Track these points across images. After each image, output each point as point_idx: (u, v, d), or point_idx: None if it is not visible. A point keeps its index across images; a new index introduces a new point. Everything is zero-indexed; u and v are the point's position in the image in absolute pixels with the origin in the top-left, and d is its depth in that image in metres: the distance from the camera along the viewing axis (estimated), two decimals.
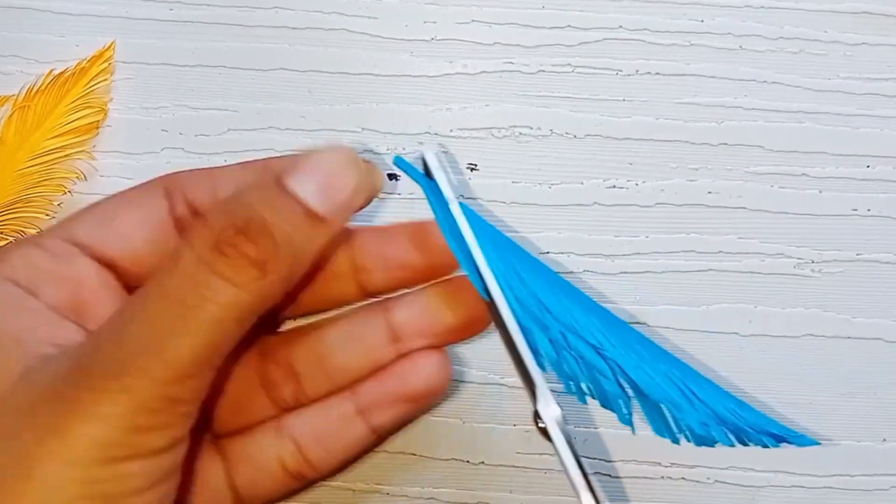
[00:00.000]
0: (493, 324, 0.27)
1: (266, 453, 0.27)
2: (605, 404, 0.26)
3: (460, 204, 0.26)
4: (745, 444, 0.25)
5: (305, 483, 0.28)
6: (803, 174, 0.32)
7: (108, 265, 0.26)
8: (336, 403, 0.28)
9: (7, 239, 0.31)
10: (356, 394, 0.27)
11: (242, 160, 0.30)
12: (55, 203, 0.32)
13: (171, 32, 0.33)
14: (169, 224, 0.26)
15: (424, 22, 0.33)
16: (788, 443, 0.25)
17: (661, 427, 0.25)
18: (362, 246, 0.27)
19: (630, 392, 0.26)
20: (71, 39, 0.33)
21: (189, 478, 0.26)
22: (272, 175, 0.24)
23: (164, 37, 0.33)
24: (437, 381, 0.27)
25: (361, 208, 0.25)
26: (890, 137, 0.32)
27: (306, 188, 0.24)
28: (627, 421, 0.25)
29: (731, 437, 0.25)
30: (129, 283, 0.27)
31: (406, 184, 0.32)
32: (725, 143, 0.32)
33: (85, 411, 0.22)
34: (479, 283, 0.26)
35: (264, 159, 0.27)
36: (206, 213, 0.23)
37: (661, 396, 0.25)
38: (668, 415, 0.25)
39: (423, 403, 0.28)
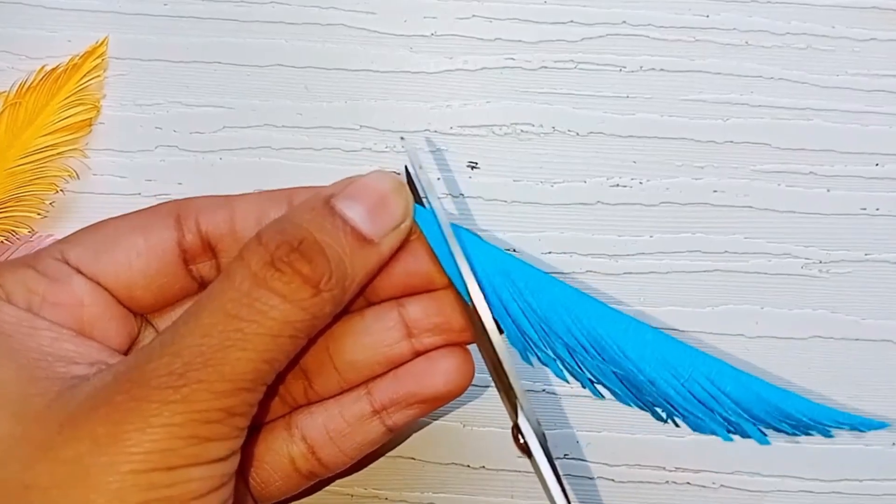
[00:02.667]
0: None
1: (277, 453, 0.27)
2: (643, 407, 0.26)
3: (452, 226, 0.26)
4: (808, 434, 0.25)
5: (317, 481, 0.28)
6: (811, 172, 0.32)
7: (108, 291, 0.26)
8: (350, 402, 0.27)
9: None
10: (372, 393, 0.27)
11: (242, 159, 0.29)
12: (47, 202, 0.31)
13: (165, 28, 0.32)
14: (174, 255, 0.26)
15: (424, 17, 0.32)
16: (857, 429, 0.25)
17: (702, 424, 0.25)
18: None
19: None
20: (63, 35, 0.32)
21: None
22: (321, 198, 0.24)
23: (158, 32, 0.32)
24: (457, 383, 0.27)
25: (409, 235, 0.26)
26: None
27: (356, 211, 0.24)
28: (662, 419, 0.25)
29: (788, 430, 0.25)
30: (135, 314, 0.27)
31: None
32: (731, 141, 0.32)
33: (144, 421, 0.22)
34: (462, 288, 0.26)
35: (286, 189, 0.27)
36: (259, 234, 0.24)
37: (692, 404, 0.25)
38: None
39: (442, 403, 0.28)
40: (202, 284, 0.27)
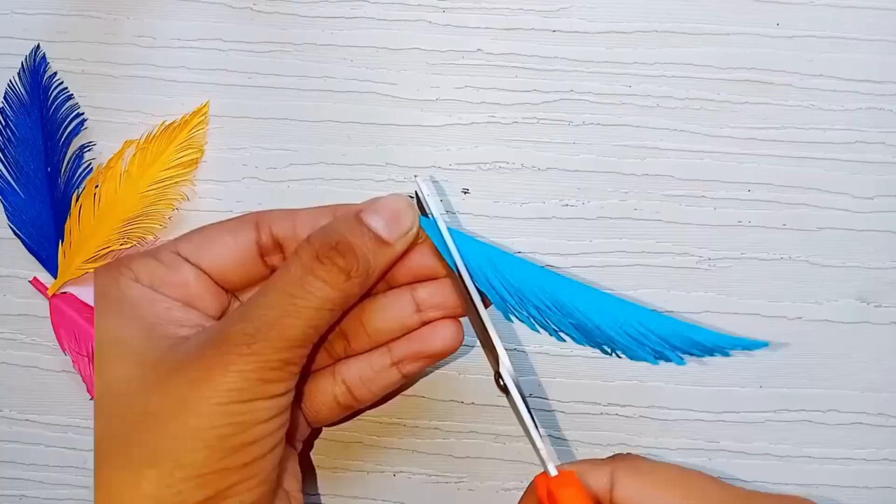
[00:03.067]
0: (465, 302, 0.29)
1: (324, 391, 0.31)
2: (595, 346, 0.28)
3: (450, 229, 0.30)
4: (711, 355, 0.27)
5: (352, 412, 0.32)
6: (703, 196, 0.36)
7: (205, 273, 0.30)
8: (376, 356, 0.31)
9: (132, 243, 0.35)
10: (392, 350, 0.31)
11: (303, 186, 0.34)
12: (167, 217, 0.36)
13: (249, 95, 0.36)
14: (254, 250, 0.30)
15: (431, 87, 0.36)
16: (743, 349, 0.27)
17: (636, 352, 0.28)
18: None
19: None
20: (178, 99, 0.37)
21: None
22: (353, 212, 0.29)
23: (245, 98, 0.36)
24: (452, 344, 0.31)
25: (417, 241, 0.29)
26: (765, 170, 0.35)
27: (377, 221, 0.28)
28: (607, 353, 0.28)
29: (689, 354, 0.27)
30: (225, 291, 0.31)
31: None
32: (647, 174, 0.36)
33: (226, 368, 0.26)
34: (457, 273, 0.29)
35: (331, 205, 0.31)
36: (309, 237, 0.28)
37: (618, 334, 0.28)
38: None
39: (441, 358, 0.31)
40: (272, 270, 0.31)
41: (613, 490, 0.27)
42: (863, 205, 0.36)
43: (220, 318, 0.30)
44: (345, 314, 0.30)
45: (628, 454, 0.28)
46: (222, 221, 0.31)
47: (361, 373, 0.31)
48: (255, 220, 0.30)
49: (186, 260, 0.30)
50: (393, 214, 0.29)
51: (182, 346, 0.27)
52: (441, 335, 0.30)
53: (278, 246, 0.30)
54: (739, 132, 0.36)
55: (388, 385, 0.31)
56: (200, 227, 0.31)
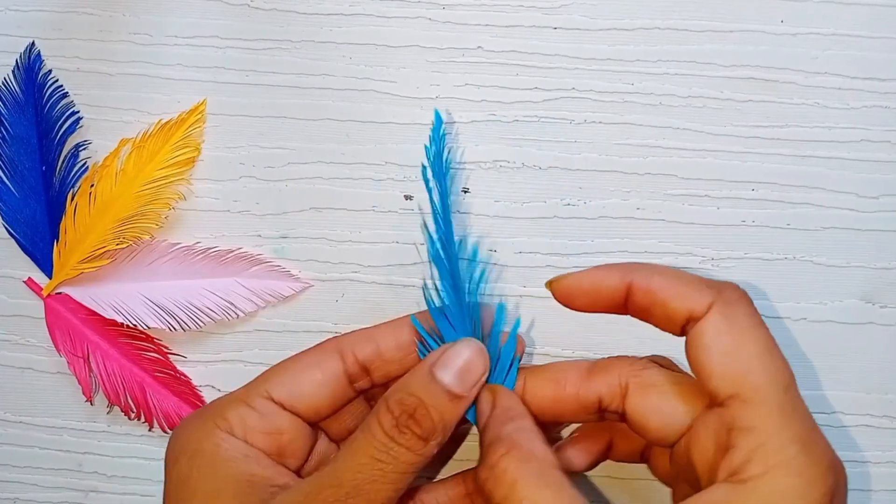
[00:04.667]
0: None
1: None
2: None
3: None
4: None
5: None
6: (706, 195, 0.35)
7: (298, 415, 0.30)
8: (451, 485, 0.31)
9: (128, 242, 0.35)
10: (465, 481, 0.31)
11: (301, 185, 0.34)
12: (163, 216, 0.35)
13: (246, 92, 0.36)
14: (343, 381, 0.31)
15: (431, 84, 0.36)
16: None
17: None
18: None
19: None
20: (174, 97, 0.36)
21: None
22: (426, 367, 0.29)
23: (242, 95, 0.36)
24: None
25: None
26: (769, 169, 0.35)
27: (449, 376, 0.29)
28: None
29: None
30: (312, 425, 0.31)
31: (420, 202, 0.35)
32: (649, 173, 0.35)
33: None
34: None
35: (407, 317, 0.31)
36: (388, 400, 0.28)
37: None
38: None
39: None
40: (359, 393, 0.31)
41: (627, 395, 0.28)
42: (868, 204, 0.35)
43: (307, 458, 0.31)
44: None
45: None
46: (304, 354, 0.31)
47: (438, 501, 0.32)
48: (337, 348, 0.31)
49: (280, 405, 0.30)
50: (464, 366, 0.29)
51: None
52: None
53: (364, 370, 0.31)
54: (743, 130, 0.35)
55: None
56: (284, 364, 0.31)
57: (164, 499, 0.29)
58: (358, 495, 0.27)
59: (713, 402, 0.26)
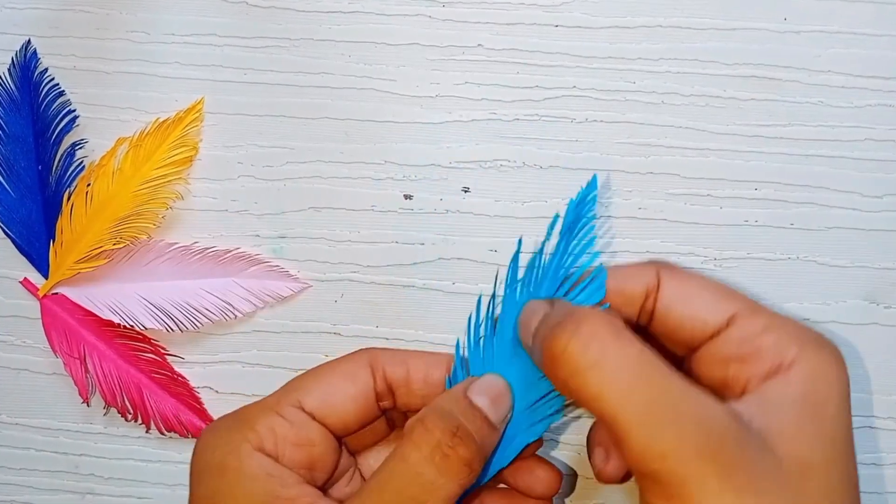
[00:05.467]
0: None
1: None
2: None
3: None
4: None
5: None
6: (708, 195, 0.35)
7: (327, 427, 0.29)
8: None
9: (125, 242, 0.35)
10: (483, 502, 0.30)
11: (300, 184, 0.33)
12: (160, 216, 0.35)
13: (245, 91, 0.36)
14: (372, 396, 0.30)
15: (430, 83, 0.35)
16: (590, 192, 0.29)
17: None
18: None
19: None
20: (172, 96, 0.36)
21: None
22: (460, 390, 0.28)
23: (240, 94, 0.36)
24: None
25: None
26: (772, 168, 0.35)
27: (484, 402, 0.28)
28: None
29: None
30: (339, 438, 0.30)
31: (419, 201, 0.35)
32: (651, 172, 0.35)
33: None
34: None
35: (445, 354, 0.30)
36: (425, 420, 0.26)
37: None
38: None
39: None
40: (383, 412, 0.31)
41: (660, 289, 0.28)
42: (872, 204, 0.35)
43: (331, 475, 0.30)
44: None
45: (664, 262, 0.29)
46: (336, 364, 0.30)
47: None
48: (369, 362, 0.30)
49: (311, 416, 0.29)
50: (497, 394, 0.28)
51: None
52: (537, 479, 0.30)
53: (391, 390, 0.30)
54: (746, 129, 0.35)
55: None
56: (315, 372, 0.30)
57: None
58: None
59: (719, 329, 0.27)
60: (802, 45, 0.35)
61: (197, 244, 0.36)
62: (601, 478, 0.28)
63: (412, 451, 0.26)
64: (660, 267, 0.28)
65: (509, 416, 0.28)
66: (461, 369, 0.30)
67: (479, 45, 0.35)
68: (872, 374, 0.35)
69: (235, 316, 0.36)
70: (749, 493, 0.23)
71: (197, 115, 0.36)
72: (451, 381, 0.30)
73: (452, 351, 0.30)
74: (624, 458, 0.24)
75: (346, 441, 0.31)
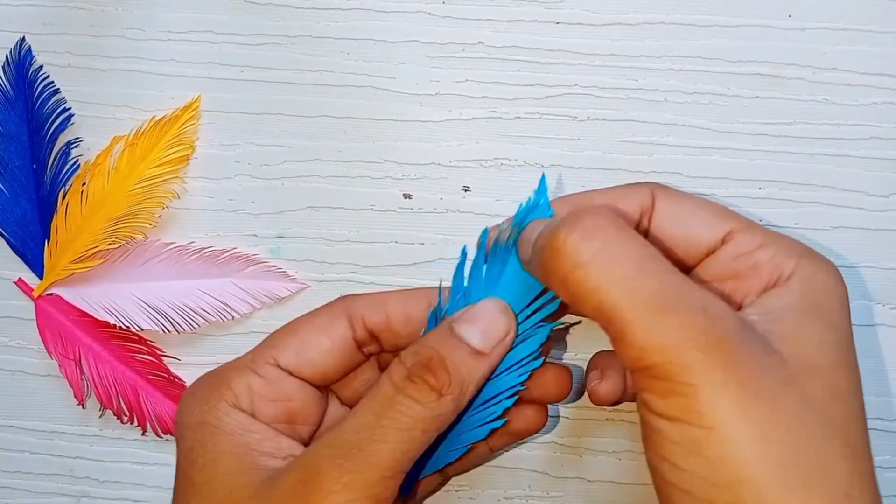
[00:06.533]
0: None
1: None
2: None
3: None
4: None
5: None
6: (712, 193, 0.34)
7: (305, 381, 0.30)
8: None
9: (121, 242, 0.34)
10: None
11: (298, 183, 0.33)
12: (156, 215, 0.35)
13: (242, 89, 0.35)
14: (351, 345, 0.30)
15: (430, 81, 0.35)
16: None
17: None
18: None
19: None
20: (168, 94, 0.35)
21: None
22: (446, 324, 0.28)
23: (237, 92, 0.35)
24: (537, 427, 0.31)
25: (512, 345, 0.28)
26: (776, 167, 0.34)
27: (471, 332, 0.27)
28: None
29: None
30: (321, 389, 0.30)
31: (419, 200, 0.35)
32: (654, 171, 0.35)
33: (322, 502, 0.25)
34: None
35: (422, 289, 0.30)
36: (401, 354, 0.27)
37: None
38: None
39: (527, 436, 0.32)
40: (369, 356, 0.31)
41: (654, 208, 0.28)
42: (878, 203, 0.34)
43: (318, 426, 0.30)
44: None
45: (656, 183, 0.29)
46: (311, 316, 0.30)
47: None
48: (346, 312, 0.30)
49: (287, 372, 0.29)
50: (489, 321, 0.28)
51: (276, 483, 0.26)
52: (525, 419, 0.31)
53: (374, 337, 0.30)
54: (750, 128, 0.35)
55: (478, 460, 0.32)
56: (289, 327, 0.30)
57: (175, 474, 0.28)
58: (356, 457, 0.25)
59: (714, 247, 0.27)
60: (807, 42, 0.34)
61: (193, 244, 0.35)
62: (594, 398, 0.29)
63: (385, 380, 0.26)
64: (654, 187, 0.28)
65: (508, 338, 0.28)
66: (443, 303, 0.29)
67: (479, 42, 0.35)
68: (878, 376, 0.34)
69: (232, 317, 0.35)
70: (753, 389, 0.22)
71: (193, 113, 0.35)
72: (436, 317, 0.29)
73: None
74: (623, 355, 0.23)
75: (340, 392, 0.31)
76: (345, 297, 0.30)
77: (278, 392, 0.29)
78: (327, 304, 0.30)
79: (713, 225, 0.27)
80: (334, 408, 0.31)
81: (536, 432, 0.31)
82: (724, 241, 0.27)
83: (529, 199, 0.28)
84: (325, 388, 0.30)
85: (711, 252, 0.27)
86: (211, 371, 0.30)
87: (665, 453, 0.22)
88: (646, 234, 0.28)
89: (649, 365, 0.22)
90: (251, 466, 0.27)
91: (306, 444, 0.29)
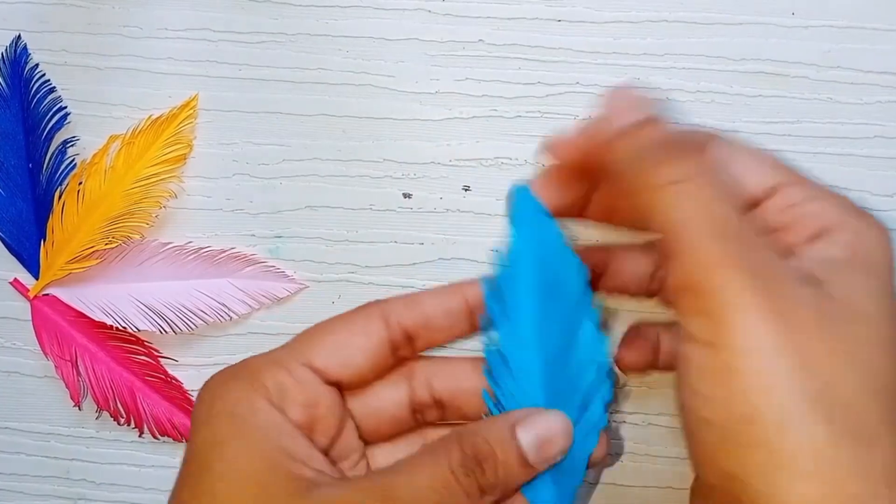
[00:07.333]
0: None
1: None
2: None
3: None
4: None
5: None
6: None
7: (336, 383, 0.29)
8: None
9: (117, 242, 0.34)
10: None
11: (296, 183, 0.33)
12: (153, 215, 0.34)
13: (240, 87, 0.35)
14: (387, 348, 0.29)
15: (430, 79, 0.35)
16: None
17: None
18: None
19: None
20: (165, 92, 0.35)
21: None
22: (510, 422, 0.28)
23: (235, 90, 0.35)
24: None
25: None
26: None
27: (529, 441, 0.27)
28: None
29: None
30: (349, 392, 0.30)
31: (419, 200, 0.35)
32: None
33: None
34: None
35: (457, 284, 0.30)
36: (461, 434, 0.27)
37: None
38: None
39: None
40: (400, 361, 0.30)
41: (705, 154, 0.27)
42: (882, 202, 0.34)
43: (330, 443, 0.29)
44: None
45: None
46: (346, 317, 0.30)
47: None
48: (382, 314, 0.29)
49: (319, 373, 0.28)
50: (547, 438, 0.28)
51: (311, 496, 0.26)
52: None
53: (408, 338, 0.30)
54: (753, 126, 0.34)
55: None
56: (323, 326, 0.29)
57: (185, 459, 0.27)
58: None
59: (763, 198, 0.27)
60: (811, 40, 0.34)
61: (191, 244, 0.35)
62: (622, 365, 0.30)
63: (443, 456, 0.26)
64: (709, 134, 0.28)
65: (559, 457, 0.28)
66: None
67: (479, 40, 0.35)
68: None
69: (230, 317, 0.35)
70: (793, 321, 0.22)
71: (191, 111, 0.35)
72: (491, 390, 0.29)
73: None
74: (673, 271, 0.24)
75: (362, 427, 0.30)
76: (376, 301, 0.30)
77: (307, 396, 0.28)
78: (359, 307, 0.30)
79: (763, 175, 0.27)
80: (349, 437, 0.30)
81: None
82: (772, 193, 0.27)
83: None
84: (345, 390, 0.30)
85: (759, 202, 0.27)
86: (238, 362, 0.29)
87: (693, 380, 0.23)
88: None
89: (694, 282, 0.23)
90: (284, 471, 0.26)
91: (325, 454, 0.28)
